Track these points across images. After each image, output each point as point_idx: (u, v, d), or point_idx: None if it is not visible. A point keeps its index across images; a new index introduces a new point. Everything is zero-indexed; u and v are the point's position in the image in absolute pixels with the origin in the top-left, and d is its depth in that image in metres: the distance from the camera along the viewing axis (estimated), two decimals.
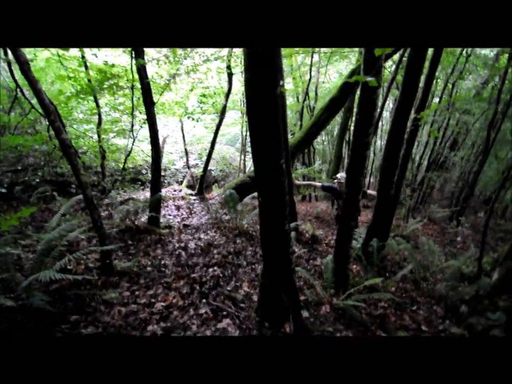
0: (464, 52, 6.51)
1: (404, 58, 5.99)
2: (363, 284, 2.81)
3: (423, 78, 3.70)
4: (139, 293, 2.77)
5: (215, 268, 3.43)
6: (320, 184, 4.99)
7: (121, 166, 7.59)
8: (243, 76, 7.80)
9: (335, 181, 4.41)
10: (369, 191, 4.47)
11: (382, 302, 2.95)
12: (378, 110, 6.55)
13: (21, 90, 4.95)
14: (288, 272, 2.33)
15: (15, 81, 4.72)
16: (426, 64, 3.75)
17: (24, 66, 2.66)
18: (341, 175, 4.29)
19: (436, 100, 9.12)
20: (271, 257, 2.35)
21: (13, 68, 4.74)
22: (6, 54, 4.53)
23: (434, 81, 7.21)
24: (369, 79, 1.46)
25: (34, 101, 4.94)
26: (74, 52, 5.60)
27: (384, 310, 2.83)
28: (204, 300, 2.73)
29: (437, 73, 5.62)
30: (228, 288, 3.01)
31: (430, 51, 4.13)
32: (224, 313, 2.54)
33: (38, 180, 5.22)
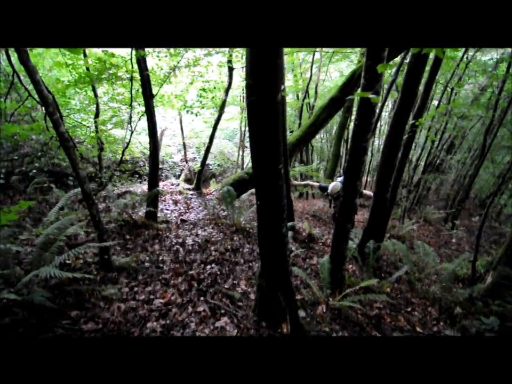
0: (464, 58, 6.55)
1: (405, 61, 6.01)
2: (359, 284, 2.86)
3: (422, 82, 3.73)
4: (138, 289, 2.79)
5: (213, 265, 3.46)
6: (317, 184, 5.02)
7: (118, 157, 7.53)
8: (243, 70, 7.75)
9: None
10: (365, 191, 4.50)
11: (378, 302, 3.01)
12: (377, 111, 6.58)
13: (18, 76, 4.86)
14: (285, 273, 2.36)
15: (12, 66, 4.61)
16: (427, 68, 3.78)
17: (23, 55, 2.61)
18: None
19: (435, 102, 9.17)
20: (268, 259, 2.38)
21: (10, 52, 4.64)
22: None
23: (434, 85, 7.26)
24: (372, 96, 1.47)
25: (31, 87, 4.85)
26: None
27: (380, 311, 2.89)
28: (202, 298, 2.75)
29: (436, 77, 5.67)
30: (226, 286, 3.04)
31: (431, 56, 4.15)
32: (222, 311, 2.57)
33: (35, 171, 5.16)
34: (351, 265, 3.90)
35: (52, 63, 6.32)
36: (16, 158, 5.37)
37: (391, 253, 4.15)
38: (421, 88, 3.79)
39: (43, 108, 5.10)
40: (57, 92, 5.68)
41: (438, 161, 8.49)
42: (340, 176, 5.19)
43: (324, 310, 2.74)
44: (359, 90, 2.64)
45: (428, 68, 3.73)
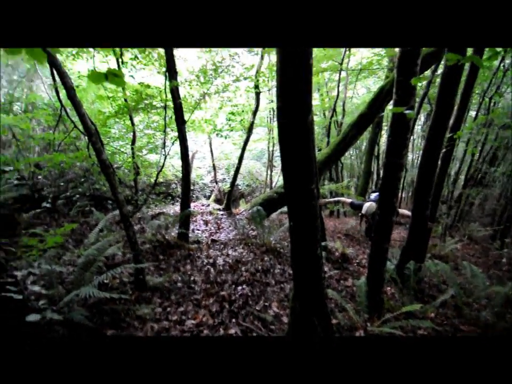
0: (501, 66, 6.23)
1: (435, 73, 5.84)
2: (400, 309, 2.65)
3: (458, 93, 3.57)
4: (170, 309, 2.81)
5: (244, 286, 3.41)
6: (349, 200, 4.86)
7: (152, 180, 7.90)
8: (270, 93, 7.95)
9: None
10: (401, 210, 4.27)
11: (421, 329, 2.77)
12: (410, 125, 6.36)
13: (65, 110, 5.36)
14: (320, 296, 2.26)
15: (60, 102, 5.11)
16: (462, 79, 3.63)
17: (70, 92, 2.90)
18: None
19: (472, 113, 8.72)
20: (302, 281, 2.29)
21: (58, 89, 5.15)
22: (54, 80, 4.96)
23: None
24: (407, 111, 1.43)
25: (75, 119, 5.31)
26: None
27: None
28: (234, 320, 2.71)
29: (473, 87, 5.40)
30: (257, 308, 2.97)
31: (466, 66, 4.00)
32: (254, 334, 2.50)
33: (78, 195, 5.54)
34: (389, 288, 3.66)
35: (95, 96, 6.91)
36: (62, 183, 5.82)
37: (433, 274, 3.85)
38: (457, 99, 3.64)
39: (86, 137, 5.57)
40: (98, 121, 6.18)
41: (480, 174, 7.94)
42: (373, 193, 4.99)
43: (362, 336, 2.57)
44: (389, 105, 2.59)
45: (462, 79, 3.59)
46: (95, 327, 2.32)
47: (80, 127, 4.75)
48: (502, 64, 6.30)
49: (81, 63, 6.10)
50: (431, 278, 4.00)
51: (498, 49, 2.70)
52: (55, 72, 3.53)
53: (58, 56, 3.50)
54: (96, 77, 1.21)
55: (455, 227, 7.44)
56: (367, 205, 4.04)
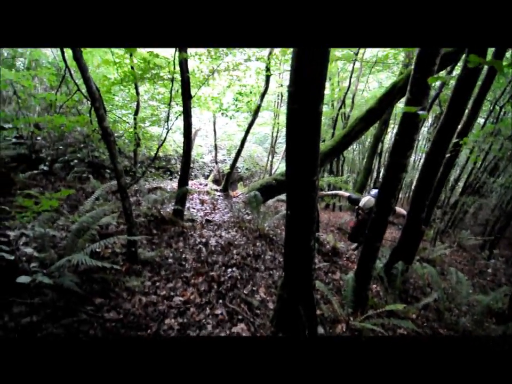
0: None
1: (451, 74, 5.72)
2: (384, 307, 2.72)
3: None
4: (159, 284, 2.85)
5: (234, 268, 3.46)
6: (347, 194, 4.83)
7: (152, 153, 7.82)
8: (280, 77, 7.74)
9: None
10: (398, 209, 4.29)
11: (401, 329, 2.85)
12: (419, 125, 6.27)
13: (69, 72, 5.19)
14: (308, 287, 2.30)
15: (65, 62, 4.94)
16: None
17: (77, 53, 2.80)
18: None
19: (480, 120, 8.62)
20: (292, 271, 2.33)
21: (64, 49, 4.97)
22: None
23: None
24: (421, 112, 1.40)
25: (79, 82, 5.16)
26: None
27: None
28: (221, 301, 2.76)
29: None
30: (245, 292, 3.02)
31: (483, 71, 3.92)
32: (240, 317, 2.55)
33: (76, 160, 5.48)
34: (375, 285, 3.73)
35: (101, 60, 6.70)
36: (60, 147, 5.74)
37: (419, 276, 3.92)
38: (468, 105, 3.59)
39: (89, 102, 5.43)
40: (103, 86, 6.02)
41: (478, 183, 7.96)
42: (372, 189, 4.98)
43: (344, 329, 2.63)
44: (400, 103, 2.55)
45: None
46: (84, 294, 2.35)
47: (84, 90, 4.66)
48: None
49: None
50: (416, 280, 4.08)
51: None
52: None
53: None
54: None
55: (446, 233, 7.53)
56: (365, 199, 4.04)
